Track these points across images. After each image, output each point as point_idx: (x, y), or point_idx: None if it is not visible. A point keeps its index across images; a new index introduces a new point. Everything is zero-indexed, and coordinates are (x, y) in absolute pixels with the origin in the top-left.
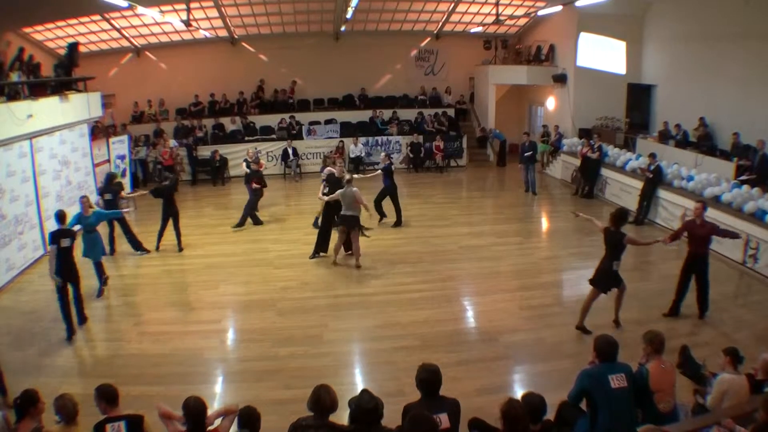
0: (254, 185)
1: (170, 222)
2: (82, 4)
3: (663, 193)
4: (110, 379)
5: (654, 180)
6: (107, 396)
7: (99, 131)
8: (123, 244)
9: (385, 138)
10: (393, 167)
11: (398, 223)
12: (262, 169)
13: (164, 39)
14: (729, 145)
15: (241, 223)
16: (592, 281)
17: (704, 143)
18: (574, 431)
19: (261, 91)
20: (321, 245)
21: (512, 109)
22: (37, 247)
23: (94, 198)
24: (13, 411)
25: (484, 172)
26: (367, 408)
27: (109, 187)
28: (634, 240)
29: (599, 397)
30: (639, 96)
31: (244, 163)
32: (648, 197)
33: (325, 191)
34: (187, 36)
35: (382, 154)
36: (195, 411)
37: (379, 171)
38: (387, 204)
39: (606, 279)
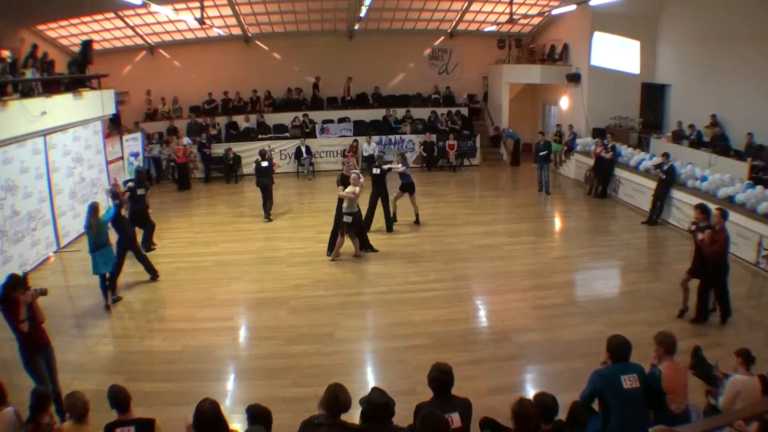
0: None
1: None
2: (96, 2)
3: (676, 194)
4: (122, 375)
5: (667, 180)
6: (118, 401)
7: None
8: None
9: (398, 137)
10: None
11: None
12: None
13: (178, 37)
14: (743, 146)
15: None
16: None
17: (718, 143)
18: (586, 431)
19: (317, 88)
20: (335, 243)
21: (526, 109)
22: (50, 243)
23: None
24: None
25: (498, 172)
26: (378, 403)
27: (143, 182)
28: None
29: (611, 397)
30: (653, 96)
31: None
32: (661, 197)
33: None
34: (200, 34)
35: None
36: (210, 416)
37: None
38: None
39: None
